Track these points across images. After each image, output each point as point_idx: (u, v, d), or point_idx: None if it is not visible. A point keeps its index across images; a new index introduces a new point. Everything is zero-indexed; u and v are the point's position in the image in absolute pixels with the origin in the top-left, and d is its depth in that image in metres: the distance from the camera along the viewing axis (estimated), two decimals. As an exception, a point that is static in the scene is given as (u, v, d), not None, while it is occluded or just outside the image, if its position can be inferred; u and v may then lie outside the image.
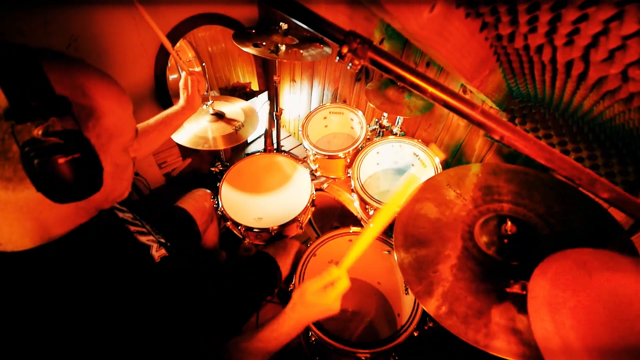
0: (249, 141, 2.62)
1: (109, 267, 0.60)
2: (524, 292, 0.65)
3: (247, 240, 1.46)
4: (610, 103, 0.76)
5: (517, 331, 0.64)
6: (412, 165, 1.61)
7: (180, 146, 2.08)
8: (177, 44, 1.84)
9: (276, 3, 0.54)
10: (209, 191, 1.45)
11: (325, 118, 1.89)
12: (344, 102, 2.05)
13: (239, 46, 1.45)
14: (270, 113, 2.09)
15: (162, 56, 1.76)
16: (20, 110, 0.43)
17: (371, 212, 1.40)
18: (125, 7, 1.53)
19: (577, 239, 0.75)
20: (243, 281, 1.14)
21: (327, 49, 1.57)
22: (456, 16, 0.81)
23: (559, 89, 0.87)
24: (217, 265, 1.61)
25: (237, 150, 2.55)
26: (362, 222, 1.55)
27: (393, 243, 0.89)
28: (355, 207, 1.59)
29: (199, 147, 1.49)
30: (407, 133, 1.78)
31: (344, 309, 1.58)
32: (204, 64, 1.72)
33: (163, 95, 1.88)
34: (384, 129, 1.70)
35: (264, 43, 1.50)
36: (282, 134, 2.23)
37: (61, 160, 0.45)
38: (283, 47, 1.47)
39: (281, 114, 1.97)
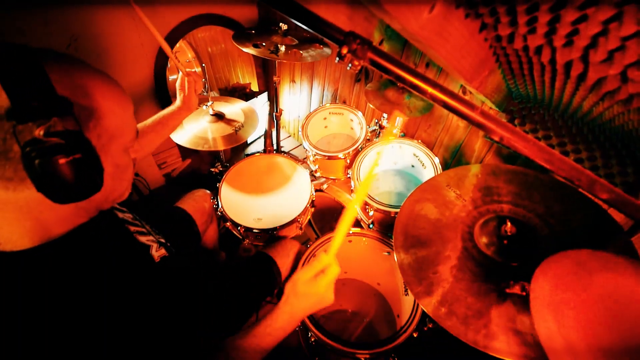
0: (248, 142, 2.62)
1: (109, 266, 0.60)
2: (524, 293, 0.65)
3: (246, 241, 1.46)
4: (609, 104, 0.77)
5: (516, 332, 0.64)
6: (412, 166, 1.61)
7: (180, 147, 2.08)
8: (177, 45, 1.84)
9: (276, 3, 0.54)
10: (208, 192, 1.45)
11: (325, 119, 1.89)
12: (344, 102, 2.05)
13: (238, 47, 1.45)
14: (270, 114, 2.09)
15: (162, 57, 1.76)
16: (21, 111, 0.43)
17: (371, 213, 1.40)
18: (125, 7, 1.53)
19: (576, 240, 0.75)
20: (242, 281, 1.14)
21: (327, 50, 1.58)
22: (456, 17, 0.82)
23: (558, 90, 0.87)
24: (217, 266, 1.60)
25: (236, 150, 2.55)
26: (361, 223, 1.55)
27: (393, 244, 0.89)
28: (355, 207, 1.59)
29: (199, 148, 1.49)
30: (407, 134, 1.78)
31: (344, 309, 1.58)
32: (203, 65, 1.72)
33: (163, 95, 1.88)
34: (384, 130, 1.70)
35: (264, 43, 1.50)
36: (282, 135, 2.24)
37: (62, 161, 0.45)
38: (283, 48, 1.47)
39: (281, 114, 1.97)
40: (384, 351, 1.00)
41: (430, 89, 0.53)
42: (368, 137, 1.67)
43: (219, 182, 1.50)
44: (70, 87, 0.49)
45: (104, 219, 0.65)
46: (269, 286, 1.20)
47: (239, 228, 1.36)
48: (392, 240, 1.29)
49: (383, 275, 1.53)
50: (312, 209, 1.51)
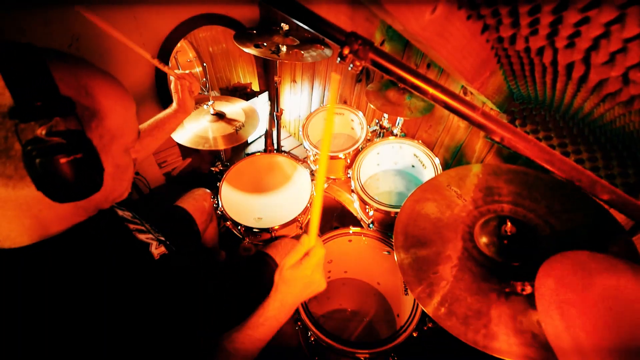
0: (249, 141, 2.62)
1: (108, 263, 0.60)
2: (523, 293, 0.65)
3: (246, 240, 1.46)
4: (610, 105, 0.77)
5: (516, 332, 0.64)
6: (412, 166, 1.61)
7: (180, 146, 2.08)
8: (178, 45, 1.84)
9: (277, 3, 0.54)
10: (208, 191, 1.45)
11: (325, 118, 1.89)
12: (345, 103, 2.05)
13: (240, 47, 1.45)
14: (271, 113, 2.09)
15: (164, 56, 1.77)
16: (24, 110, 0.43)
17: (371, 213, 1.40)
18: (126, 7, 1.53)
19: (577, 240, 0.75)
20: (242, 281, 1.14)
21: (328, 50, 1.58)
22: (457, 18, 0.81)
23: (559, 91, 0.87)
24: (217, 265, 1.60)
25: (237, 150, 2.55)
26: (361, 223, 1.55)
27: (393, 243, 0.89)
28: (355, 207, 1.59)
29: (200, 147, 1.49)
30: (407, 134, 1.78)
31: (344, 308, 1.58)
32: (204, 65, 1.72)
33: (164, 95, 1.88)
34: (385, 130, 1.71)
35: (265, 44, 1.50)
36: (283, 134, 2.23)
37: (63, 160, 0.45)
38: (284, 48, 1.47)
39: (282, 114, 1.97)
40: (384, 351, 1.00)
41: (431, 90, 0.53)
42: (369, 137, 1.67)
43: (220, 181, 1.50)
44: (74, 87, 0.49)
45: (103, 217, 0.65)
46: (269, 286, 1.20)
47: (239, 227, 1.36)
48: (392, 240, 1.30)
49: (383, 275, 1.53)
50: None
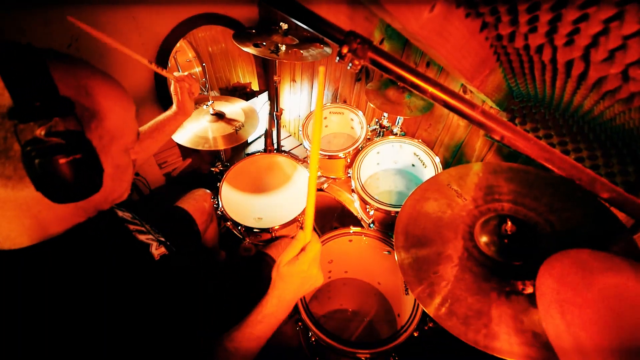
0: (249, 141, 2.62)
1: (108, 264, 0.60)
2: (524, 291, 0.65)
3: (247, 240, 1.46)
4: (610, 103, 0.76)
5: (517, 332, 0.64)
6: (413, 165, 1.61)
7: (180, 146, 2.08)
8: (177, 44, 1.84)
9: (276, 3, 0.54)
10: (208, 191, 1.45)
11: (325, 118, 1.89)
12: (344, 102, 2.05)
13: (239, 46, 1.45)
14: (271, 113, 2.09)
15: (163, 56, 1.77)
16: (24, 110, 0.43)
17: (371, 212, 1.40)
18: (126, 7, 1.53)
19: (578, 238, 0.75)
20: (243, 281, 1.14)
21: (327, 49, 1.58)
22: (456, 16, 0.81)
23: (559, 89, 0.87)
24: (217, 265, 1.61)
25: (237, 150, 2.55)
26: (362, 222, 1.55)
27: (394, 243, 0.89)
28: (355, 207, 1.59)
29: (199, 147, 1.49)
30: (407, 133, 1.78)
31: (344, 308, 1.58)
32: (204, 64, 1.72)
33: (164, 95, 1.88)
34: (384, 129, 1.71)
35: (264, 43, 1.50)
36: (282, 134, 2.23)
37: (62, 161, 0.45)
38: (283, 47, 1.47)
39: (281, 114, 1.97)
40: (385, 351, 1.00)
41: (430, 88, 0.53)
42: (368, 137, 1.67)
43: (220, 181, 1.50)
44: (73, 87, 0.49)
45: (103, 218, 0.65)
46: (269, 289, 1.20)
47: (239, 227, 1.36)
48: (393, 240, 1.29)
49: (383, 275, 1.53)
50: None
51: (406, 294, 1.32)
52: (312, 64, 2.16)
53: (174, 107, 1.12)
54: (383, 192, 1.62)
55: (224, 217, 1.39)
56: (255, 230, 1.34)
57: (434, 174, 1.40)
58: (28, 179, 0.46)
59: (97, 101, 0.52)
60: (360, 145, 1.60)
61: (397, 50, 1.56)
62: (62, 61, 0.50)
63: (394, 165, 1.69)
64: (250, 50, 1.43)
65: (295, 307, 1.10)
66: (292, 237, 1.45)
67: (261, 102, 2.39)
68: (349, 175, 1.51)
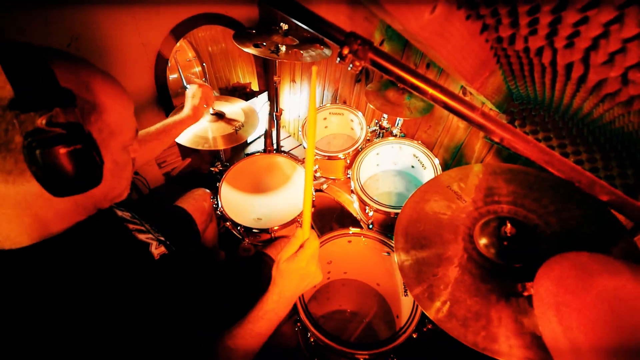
0: (248, 141, 2.62)
1: (108, 263, 0.60)
2: (525, 293, 0.65)
3: (246, 241, 1.46)
4: (610, 106, 0.76)
5: (516, 334, 0.64)
6: (412, 166, 1.61)
7: (180, 146, 2.08)
8: (177, 44, 1.84)
9: (276, 3, 0.54)
10: (208, 191, 1.45)
11: (325, 119, 1.89)
12: (344, 103, 2.05)
13: (239, 46, 1.45)
14: (270, 113, 2.09)
15: (163, 56, 1.76)
16: (24, 100, 0.44)
17: (370, 214, 1.40)
18: (126, 7, 1.53)
19: (577, 240, 0.75)
20: (242, 281, 1.14)
21: (327, 50, 1.58)
22: (457, 18, 0.81)
23: (558, 92, 0.87)
24: (216, 265, 1.60)
25: (237, 150, 2.55)
26: (361, 223, 1.55)
27: (393, 245, 0.89)
28: (354, 208, 1.59)
29: (199, 147, 1.49)
30: (407, 134, 1.78)
31: (343, 309, 1.58)
32: (204, 64, 1.72)
33: (163, 95, 1.88)
34: (384, 130, 1.71)
35: (265, 43, 1.50)
36: (282, 135, 2.23)
37: (63, 151, 0.46)
38: (283, 48, 1.47)
39: (281, 114, 1.97)
40: (384, 352, 1.00)
41: (430, 90, 0.53)
42: (368, 138, 1.67)
43: (219, 181, 1.50)
44: (74, 82, 0.50)
45: (102, 217, 0.65)
46: (269, 286, 1.20)
47: (238, 228, 1.36)
48: (392, 241, 1.29)
49: (382, 276, 1.53)
50: (312, 209, 1.51)
51: (405, 295, 1.32)
52: (312, 65, 2.16)
53: (187, 111, 1.15)
54: (382, 193, 1.62)
55: (223, 217, 1.39)
56: (254, 230, 1.34)
57: (433, 176, 1.41)
58: (29, 173, 0.46)
59: (97, 95, 0.52)
60: (359, 146, 1.60)
61: (397, 51, 1.56)
62: (63, 58, 0.51)
63: (393, 166, 1.69)
64: (250, 50, 1.43)
65: (294, 308, 1.10)
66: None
67: (261, 102, 2.39)
68: (348, 176, 1.51)
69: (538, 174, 0.90)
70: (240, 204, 1.48)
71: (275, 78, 1.83)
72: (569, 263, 0.48)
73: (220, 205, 1.39)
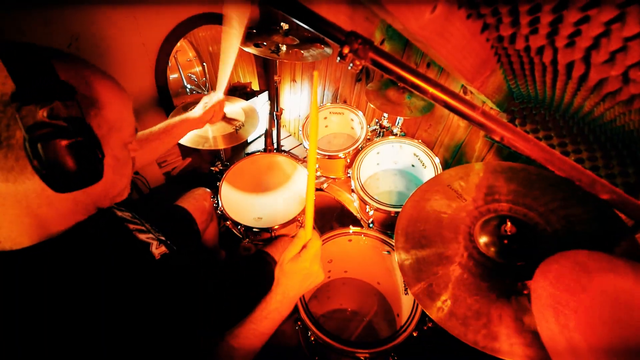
0: (249, 141, 2.62)
1: (108, 264, 0.60)
2: (525, 293, 0.65)
3: (246, 240, 1.46)
4: (610, 105, 0.76)
5: (516, 332, 0.64)
6: (412, 165, 1.61)
7: (180, 145, 2.06)
8: (178, 44, 1.83)
9: (277, 3, 0.54)
10: (208, 190, 1.45)
11: (325, 118, 1.89)
12: (345, 102, 2.05)
13: (239, 46, 1.44)
14: (271, 113, 2.09)
15: (163, 56, 1.76)
16: (25, 92, 0.44)
17: (371, 213, 1.40)
18: (126, 7, 1.53)
19: (578, 238, 0.75)
20: (243, 280, 1.14)
21: (328, 50, 1.57)
22: (457, 17, 0.81)
23: (559, 90, 0.87)
24: (217, 265, 1.61)
25: (237, 149, 2.55)
26: (361, 222, 1.55)
27: (394, 244, 0.89)
28: (355, 207, 1.59)
29: (199, 147, 1.49)
30: (407, 133, 1.78)
31: (344, 308, 1.58)
32: (204, 64, 1.72)
33: (164, 95, 1.88)
34: (384, 130, 1.71)
35: (265, 43, 1.50)
36: (282, 134, 2.23)
37: (64, 143, 0.46)
38: (284, 47, 1.47)
39: (281, 113, 1.97)
40: (384, 350, 1.00)
41: (431, 89, 0.53)
42: (368, 137, 1.67)
43: (219, 181, 1.50)
44: (74, 78, 0.50)
45: (102, 217, 0.65)
46: (269, 285, 1.20)
47: (239, 227, 1.36)
48: (392, 240, 1.30)
49: (383, 275, 1.53)
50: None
51: (405, 294, 1.32)
52: (313, 64, 2.16)
53: (198, 111, 1.17)
54: (383, 192, 1.63)
55: (223, 217, 1.39)
56: (255, 229, 1.34)
57: (433, 175, 1.41)
58: (29, 171, 0.46)
59: (95, 91, 0.53)
60: (360, 146, 1.60)
61: (397, 50, 1.56)
62: (62, 57, 0.52)
63: (393, 165, 1.69)
64: (250, 50, 1.43)
65: (295, 307, 1.10)
66: (292, 237, 1.45)
67: (261, 102, 2.39)
68: (348, 175, 1.51)
69: (539, 172, 0.90)
70: (240, 203, 1.48)
71: (275, 78, 1.83)
72: (568, 262, 0.48)
73: (220, 205, 1.39)
